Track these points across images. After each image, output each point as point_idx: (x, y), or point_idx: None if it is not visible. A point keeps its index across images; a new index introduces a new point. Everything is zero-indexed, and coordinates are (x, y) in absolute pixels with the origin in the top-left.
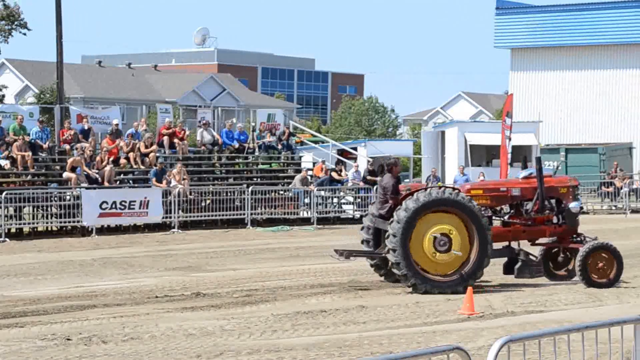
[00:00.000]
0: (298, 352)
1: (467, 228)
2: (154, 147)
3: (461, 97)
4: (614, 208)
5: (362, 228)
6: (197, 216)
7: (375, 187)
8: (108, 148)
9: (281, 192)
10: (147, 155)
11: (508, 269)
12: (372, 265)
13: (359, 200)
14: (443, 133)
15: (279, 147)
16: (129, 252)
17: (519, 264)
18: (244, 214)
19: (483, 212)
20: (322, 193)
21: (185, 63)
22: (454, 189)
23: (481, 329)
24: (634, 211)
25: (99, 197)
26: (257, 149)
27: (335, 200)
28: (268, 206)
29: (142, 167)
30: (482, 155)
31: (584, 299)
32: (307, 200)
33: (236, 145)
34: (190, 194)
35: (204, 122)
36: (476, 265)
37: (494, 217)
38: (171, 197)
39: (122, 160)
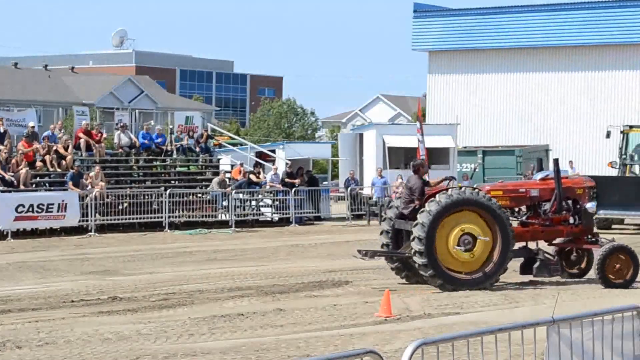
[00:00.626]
0: (215, 356)
1: (489, 227)
2: (71, 149)
3: (380, 100)
4: None
5: (381, 232)
6: (115, 219)
7: (292, 189)
8: (24, 151)
9: (199, 195)
10: (63, 158)
11: (525, 269)
12: (393, 269)
13: (277, 202)
14: (361, 135)
15: (197, 149)
16: (45, 256)
17: (538, 263)
18: (161, 217)
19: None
20: (240, 196)
21: (103, 65)
22: (474, 189)
23: (398, 331)
24: None
25: (15, 200)
26: (175, 152)
27: (253, 203)
28: (186, 209)
29: (58, 170)
30: (400, 157)
31: (500, 301)
32: (225, 203)
33: (154, 147)
34: (108, 197)
35: (122, 124)
36: (498, 263)
37: (510, 218)
38: (88, 200)
39: (39, 163)
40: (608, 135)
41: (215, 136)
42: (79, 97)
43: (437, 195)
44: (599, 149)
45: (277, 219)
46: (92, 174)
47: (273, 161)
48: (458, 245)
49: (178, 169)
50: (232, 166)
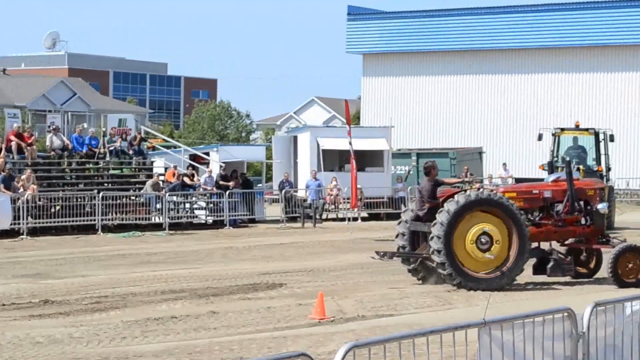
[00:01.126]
0: (147, 359)
1: (506, 227)
2: (3, 152)
3: (314, 102)
4: None
5: (397, 235)
6: (47, 222)
7: (227, 192)
8: None
9: (132, 198)
10: None
11: (538, 269)
12: (409, 270)
13: (212, 205)
14: (296, 138)
15: (130, 152)
16: None
17: (552, 263)
18: (94, 220)
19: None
20: (174, 198)
21: (35, 67)
22: (492, 189)
23: (332, 334)
24: None
25: None
26: (108, 154)
27: (187, 205)
28: (119, 212)
29: None
30: (335, 159)
31: (434, 303)
32: (159, 206)
33: (87, 150)
34: (40, 200)
35: (54, 127)
36: (515, 262)
37: None
38: (20, 203)
39: None
40: (540, 138)
41: (149, 139)
42: (11, 99)
43: (455, 196)
44: (533, 151)
45: (211, 221)
46: (23, 177)
47: (207, 164)
48: (476, 245)
49: (111, 171)
50: (166, 169)
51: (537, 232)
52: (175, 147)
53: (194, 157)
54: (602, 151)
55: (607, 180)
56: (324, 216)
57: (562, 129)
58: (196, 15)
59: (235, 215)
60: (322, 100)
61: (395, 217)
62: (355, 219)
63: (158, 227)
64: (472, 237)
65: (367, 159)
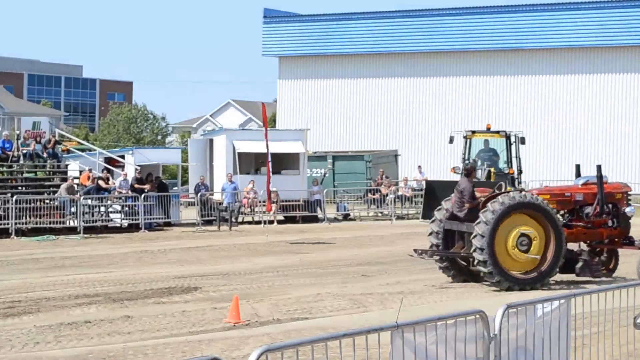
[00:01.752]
0: None
1: (544, 229)
2: None
3: (231, 105)
4: (380, 215)
5: (430, 234)
6: None
7: (142, 195)
8: None
9: (47, 201)
10: None
11: (565, 269)
12: (441, 267)
13: (127, 208)
14: (211, 141)
15: (45, 155)
16: None
17: (581, 263)
18: (8, 224)
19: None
20: (89, 202)
21: None
22: (530, 193)
23: (247, 337)
24: (399, 217)
25: None
26: (21, 158)
27: (102, 209)
28: (33, 215)
29: None
30: (251, 162)
31: (349, 306)
32: (73, 209)
33: (0, 153)
34: None
35: None
36: (552, 264)
37: None
38: None
39: None
40: (451, 140)
41: (64, 142)
42: None
43: (499, 197)
44: (448, 153)
45: (126, 224)
46: None
47: (122, 167)
48: (516, 246)
49: (25, 175)
50: (81, 172)
51: (568, 234)
52: (90, 150)
53: (109, 160)
54: (514, 154)
55: (519, 183)
56: (239, 219)
57: (474, 132)
58: (111, 18)
59: (150, 219)
60: (239, 103)
61: (311, 219)
62: (271, 222)
63: (72, 230)
64: (513, 238)
65: (283, 162)
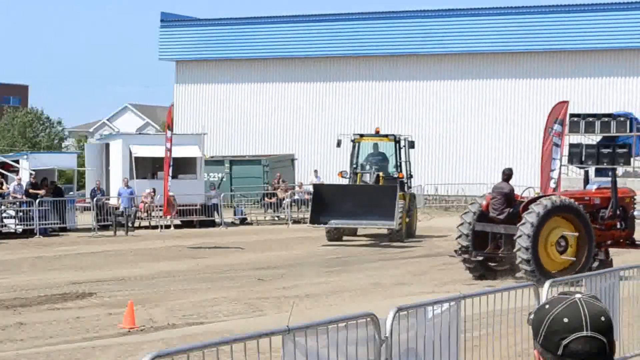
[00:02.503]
0: None
1: (578, 232)
2: None
3: (128, 109)
4: (276, 218)
5: (459, 236)
6: None
7: (37, 200)
8: None
9: None
10: None
11: None
12: (468, 268)
13: (21, 214)
14: (107, 145)
15: None
16: None
17: (597, 263)
18: None
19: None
20: None
21: None
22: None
23: (142, 343)
24: (295, 221)
25: None
26: None
27: None
28: None
29: None
30: (148, 167)
31: (245, 310)
32: None
33: None
34: None
35: None
36: (585, 264)
37: None
38: None
39: None
40: (338, 144)
41: None
42: None
43: (541, 200)
44: (343, 157)
45: (20, 230)
46: None
47: (17, 171)
48: (555, 247)
49: None
50: None
51: None
52: None
53: (2, 165)
54: (403, 158)
55: (409, 187)
56: (136, 224)
57: (362, 135)
58: (6, 20)
59: (45, 224)
60: (136, 107)
61: (209, 224)
62: (168, 227)
63: None
64: (552, 239)
65: (180, 166)
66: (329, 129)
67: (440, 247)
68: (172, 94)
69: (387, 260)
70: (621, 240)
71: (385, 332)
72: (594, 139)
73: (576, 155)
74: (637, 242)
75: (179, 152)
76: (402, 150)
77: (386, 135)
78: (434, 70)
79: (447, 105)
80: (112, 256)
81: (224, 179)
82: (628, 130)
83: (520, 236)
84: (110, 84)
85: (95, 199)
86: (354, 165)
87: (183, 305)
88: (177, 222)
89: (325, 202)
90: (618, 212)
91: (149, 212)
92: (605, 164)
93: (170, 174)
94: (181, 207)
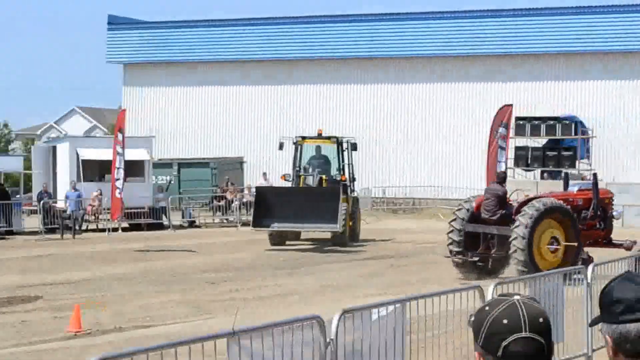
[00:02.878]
0: None
1: (567, 233)
2: None
3: (75, 112)
4: (225, 221)
5: (450, 243)
6: None
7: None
8: None
9: None
10: None
11: None
12: (456, 265)
13: None
14: (55, 148)
15: None
16: None
17: (580, 262)
18: None
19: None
20: None
21: None
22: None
23: (88, 347)
24: (244, 224)
25: None
26: None
27: None
28: None
29: None
30: (95, 170)
31: (193, 313)
32: None
33: None
34: None
35: None
36: (573, 263)
37: None
38: None
39: None
40: (280, 147)
41: None
42: None
43: (533, 202)
44: (291, 160)
45: None
46: None
47: None
48: (547, 247)
49: None
50: None
51: None
52: None
53: None
54: (346, 160)
55: (352, 191)
56: (83, 227)
57: (304, 138)
58: None
59: None
60: (83, 109)
61: (157, 227)
62: (115, 230)
63: None
64: (545, 240)
65: (128, 169)
66: (277, 131)
67: (387, 249)
68: (121, 96)
69: (335, 262)
70: (599, 240)
71: (330, 334)
72: (539, 142)
73: (522, 158)
74: (613, 242)
75: (127, 155)
76: (345, 153)
77: (328, 138)
78: (382, 73)
79: (394, 108)
80: (59, 259)
81: (172, 182)
82: (573, 134)
83: (515, 238)
84: (58, 86)
85: (42, 202)
86: (297, 168)
87: (131, 309)
88: (125, 225)
89: (268, 205)
90: (599, 213)
91: (96, 215)
92: (551, 166)
93: (120, 177)
94: (129, 210)
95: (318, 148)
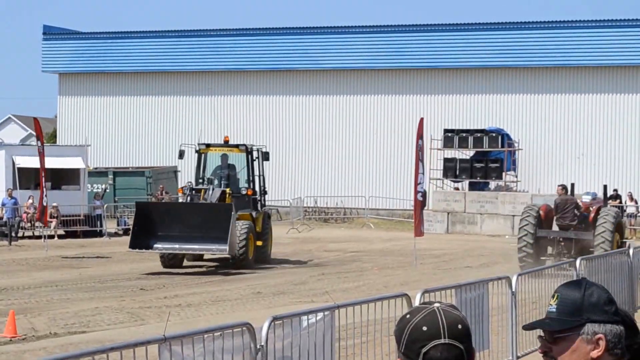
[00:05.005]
0: None
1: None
2: None
3: (11, 120)
4: None
5: (526, 235)
6: None
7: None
8: None
9: None
10: None
11: None
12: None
13: None
14: None
15: None
16: None
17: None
18: None
19: None
20: None
21: None
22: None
23: (23, 352)
24: None
25: None
26: None
27: None
28: None
29: None
30: (31, 177)
31: (127, 319)
32: None
33: None
34: None
35: None
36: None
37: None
38: None
39: None
40: (181, 155)
41: None
42: None
43: (606, 209)
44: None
45: None
46: None
47: None
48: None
49: None
50: None
51: None
52: None
53: None
54: (257, 171)
55: (262, 205)
56: (20, 234)
57: (208, 145)
58: None
59: None
60: (19, 118)
61: (93, 234)
62: (51, 237)
63: None
64: (615, 242)
65: (63, 178)
66: (210, 141)
67: (321, 257)
68: (56, 105)
69: (267, 269)
70: None
71: (261, 340)
72: (467, 154)
73: (450, 169)
74: None
75: (62, 163)
76: (256, 163)
77: (236, 146)
78: (314, 84)
79: (327, 119)
80: None
81: (108, 190)
82: (500, 146)
83: (604, 242)
84: None
85: None
86: (200, 180)
87: (65, 315)
88: (61, 232)
89: (150, 223)
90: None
91: (32, 222)
92: (478, 177)
93: (45, 184)
94: (65, 218)
95: (224, 157)
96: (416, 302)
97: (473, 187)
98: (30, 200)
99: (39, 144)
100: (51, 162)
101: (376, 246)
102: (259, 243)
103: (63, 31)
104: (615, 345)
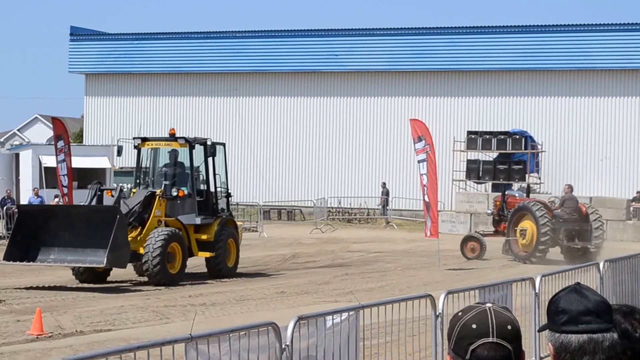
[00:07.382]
0: None
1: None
2: None
3: (38, 120)
4: None
5: (549, 228)
6: None
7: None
8: None
9: None
10: None
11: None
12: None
13: None
14: (17, 155)
15: None
16: None
17: None
18: None
19: None
20: None
21: None
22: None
23: (50, 349)
24: None
25: None
26: None
27: None
28: None
29: None
30: (56, 177)
31: (152, 317)
32: None
33: None
34: None
35: None
36: None
37: None
38: None
39: None
40: (119, 152)
41: None
42: None
43: (592, 206)
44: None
45: None
46: None
47: None
48: None
49: None
50: None
51: None
52: None
53: None
54: (217, 169)
55: (223, 209)
56: None
57: (144, 139)
58: None
59: None
60: (46, 118)
61: None
62: None
63: None
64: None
65: (89, 176)
66: (240, 141)
67: (345, 258)
68: (83, 105)
69: (291, 270)
70: None
71: (285, 340)
72: (491, 155)
73: (474, 171)
74: None
75: (88, 162)
76: (213, 160)
77: (176, 139)
78: (340, 86)
79: (350, 120)
80: (21, 264)
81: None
82: (523, 148)
83: (602, 224)
84: (21, 95)
85: (5, 208)
86: (138, 180)
87: (91, 313)
88: None
89: (32, 230)
90: None
91: None
92: (501, 179)
93: (65, 183)
94: None
95: (173, 153)
96: (440, 303)
97: (496, 188)
98: (57, 199)
99: (62, 143)
100: (78, 162)
101: (399, 247)
102: (207, 254)
103: (90, 32)
104: (562, 356)
